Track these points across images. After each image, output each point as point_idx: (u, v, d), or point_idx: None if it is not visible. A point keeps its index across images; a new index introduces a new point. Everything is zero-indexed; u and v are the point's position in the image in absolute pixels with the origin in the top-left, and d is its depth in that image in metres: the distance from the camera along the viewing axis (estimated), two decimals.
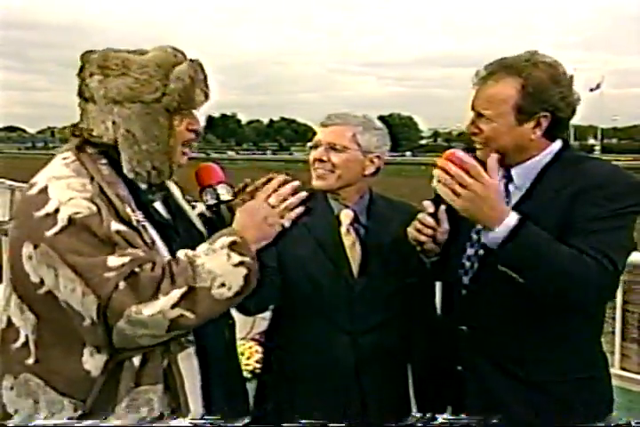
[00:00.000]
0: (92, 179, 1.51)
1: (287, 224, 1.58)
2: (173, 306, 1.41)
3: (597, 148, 60.84)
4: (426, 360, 2.00)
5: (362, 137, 1.95)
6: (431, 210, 1.69)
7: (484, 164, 1.60)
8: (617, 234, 1.57)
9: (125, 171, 1.56)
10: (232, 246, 1.49)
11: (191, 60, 1.59)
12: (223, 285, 1.46)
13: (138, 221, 1.51)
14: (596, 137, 73.42)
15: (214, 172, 1.70)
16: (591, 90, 67.61)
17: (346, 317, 1.94)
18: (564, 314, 1.66)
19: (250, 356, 3.26)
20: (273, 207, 1.56)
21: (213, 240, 1.51)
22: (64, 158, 1.56)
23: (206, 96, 1.62)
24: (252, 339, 2.67)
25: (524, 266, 1.53)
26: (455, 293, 1.79)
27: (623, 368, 3.98)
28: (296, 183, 1.58)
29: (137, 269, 1.42)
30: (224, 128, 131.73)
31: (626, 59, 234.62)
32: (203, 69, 1.60)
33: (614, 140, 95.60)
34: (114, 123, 1.53)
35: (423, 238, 1.71)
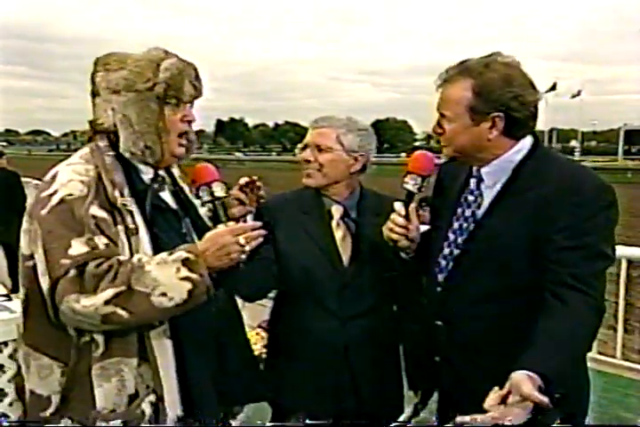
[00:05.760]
0: (96, 166, 1.57)
1: (244, 258, 1.53)
2: (106, 302, 1.42)
3: (578, 149, 60.63)
4: (416, 344, 1.98)
5: (345, 138, 1.98)
6: (403, 213, 1.70)
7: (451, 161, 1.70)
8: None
9: (122, 150, 1.60)
10: (185, 262, 1.47)
11: (183, 60, 1.63)
12: (164, 294, 1.44)
13: (124, 205, 1.53)
14: (576, 139, 73.16)
15: (209, 171, 1.69)
16: (572, 96, 67.42)
17: (336, 303, 1.96)
18: (532, 313, 1.52)
19: (256, 342, 3.27)
20: (240, 245, 1.51)
21: (172, 252, 1.49)
22: (81, 151, 1.64)
23: (196, 90, 1.65)
24: (259, 326, 2.68)
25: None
26: (432, 289, 1.74)
27: (600, 353, 3.99)
28: (263, 232, 1.55)
29: (90, 263, 1.44)
30: (233, 131, 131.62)
31: (603, 69, 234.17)
32: (195, 68, 1.65)
33: (593, 143, 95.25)
34: (113, 109, 1.60)
35: (395, 237, 1.70)
